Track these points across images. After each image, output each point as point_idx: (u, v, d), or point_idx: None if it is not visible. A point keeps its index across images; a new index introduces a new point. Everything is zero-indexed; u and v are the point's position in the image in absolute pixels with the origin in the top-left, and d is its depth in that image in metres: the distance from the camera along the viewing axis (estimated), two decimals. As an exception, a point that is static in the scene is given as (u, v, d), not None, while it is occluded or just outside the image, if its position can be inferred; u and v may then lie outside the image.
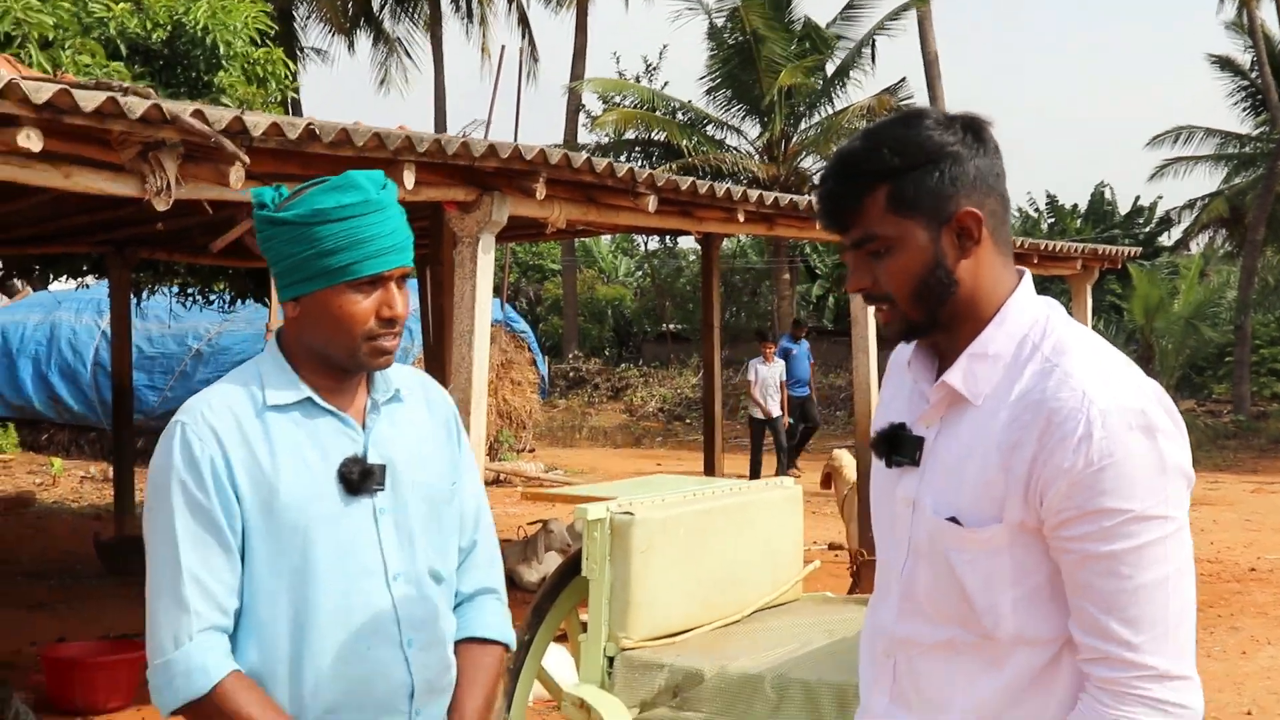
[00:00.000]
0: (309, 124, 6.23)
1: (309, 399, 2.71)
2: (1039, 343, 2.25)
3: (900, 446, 2.37)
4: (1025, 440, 2.18)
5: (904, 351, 2.45)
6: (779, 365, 19.76)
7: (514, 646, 3.01)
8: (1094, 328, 10.78)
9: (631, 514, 4.73)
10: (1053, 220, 42.13)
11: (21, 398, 21.48)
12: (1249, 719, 8.33)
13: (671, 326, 40.14)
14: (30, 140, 5.26)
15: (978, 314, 2.30)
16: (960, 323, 2.31)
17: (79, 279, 16.56)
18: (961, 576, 2.26)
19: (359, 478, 2.68)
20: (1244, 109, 36.93)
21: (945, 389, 2.30)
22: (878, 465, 2.45)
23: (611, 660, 4.70)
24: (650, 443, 27.36)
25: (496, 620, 2.95)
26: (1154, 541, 2.13)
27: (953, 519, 2.26)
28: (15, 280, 15.84)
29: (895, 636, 2.40)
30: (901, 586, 2.38)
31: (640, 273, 43.56)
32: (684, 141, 31.50)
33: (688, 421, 29.47)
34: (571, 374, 33.78)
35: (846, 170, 2.31)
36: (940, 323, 2.32)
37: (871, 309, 2.39)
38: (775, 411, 19.51)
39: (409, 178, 6.59)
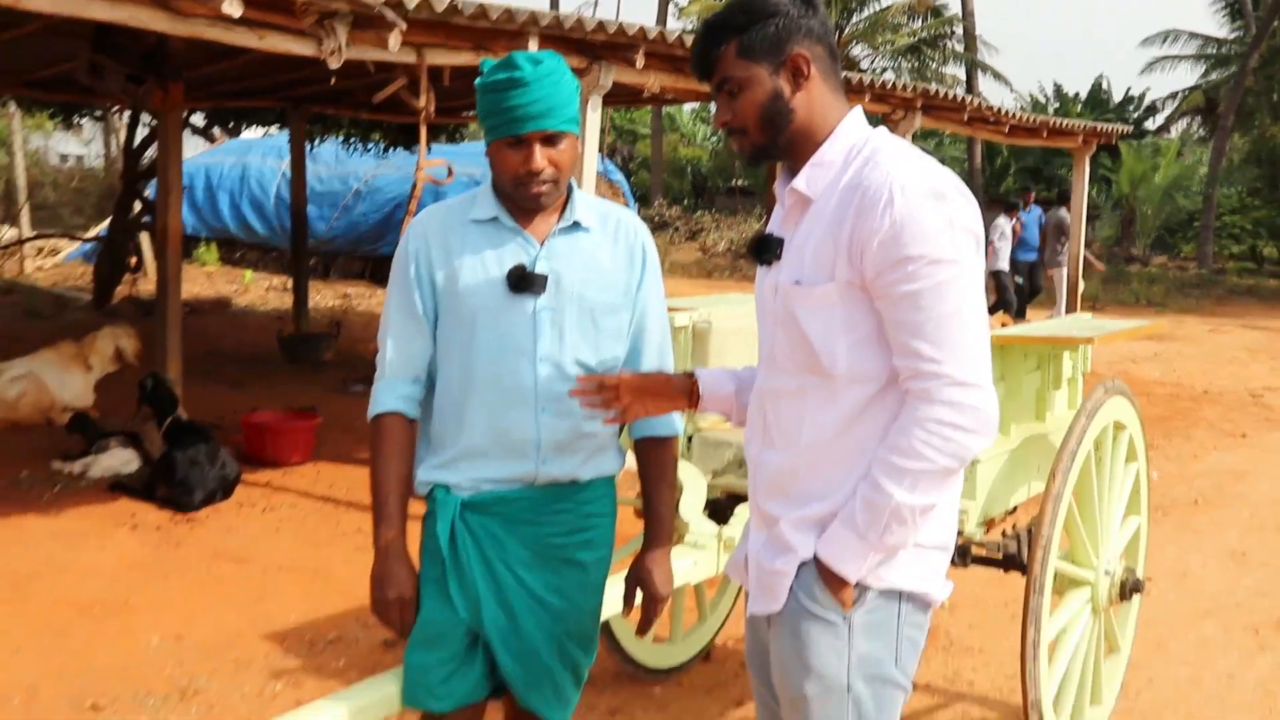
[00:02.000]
0: (453, 0, 6.33)
1: (497, 219, 2.91)
2: (862, 148, 2.45)
3: (766, 248, 2.56)
4: (846, 215, 2.38)
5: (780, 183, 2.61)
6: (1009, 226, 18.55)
7: (680, 432, 3.15)
8: (1088, 195, 10.85)
9: (710, 322, 4.77)
10: (1058, 106, 41.74)
11: (219, 223, 21.80)
12: (1196, 507, 8.41)
13: (740, 183, 40.12)
14: (232, 7, 5.30)
15: (814, 137, 2.48)
16: (801, 145, 2.49)
17: (265, 128, 16.80)
18: (806, 329, 2.44)
19: (519, 281, 2.88)
20: (1224, 15, 37.49)
21: (794, 194, 2.50)
22: (759, 271, 2.64)
23: (690, 439, 4.78)
24: (719, 276, 27.28)
25: (668, 419, 3.08)
26: (947, 281, 2.32)
27: (797, 281, 2.45)
28: (215, 129, 16.06)
29: (763, 390, 2.60)
30: (766, 352, 2.60)
31: (715, 138, 43.31)
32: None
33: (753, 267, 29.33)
34: (656, 219, 33.59)
35: (708, 30, 2.53)
36: (782, 146, 2.51)
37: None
38: (1003, 266, 18.25)
39: (533, 45, 6.70)
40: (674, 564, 3.87)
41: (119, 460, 7.60)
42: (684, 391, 2.84)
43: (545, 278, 2.89)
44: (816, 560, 2.45)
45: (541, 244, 2.92)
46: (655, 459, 3.11)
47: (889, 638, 2.48)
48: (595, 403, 2.80)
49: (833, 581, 2.44)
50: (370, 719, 2.99)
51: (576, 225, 2.96)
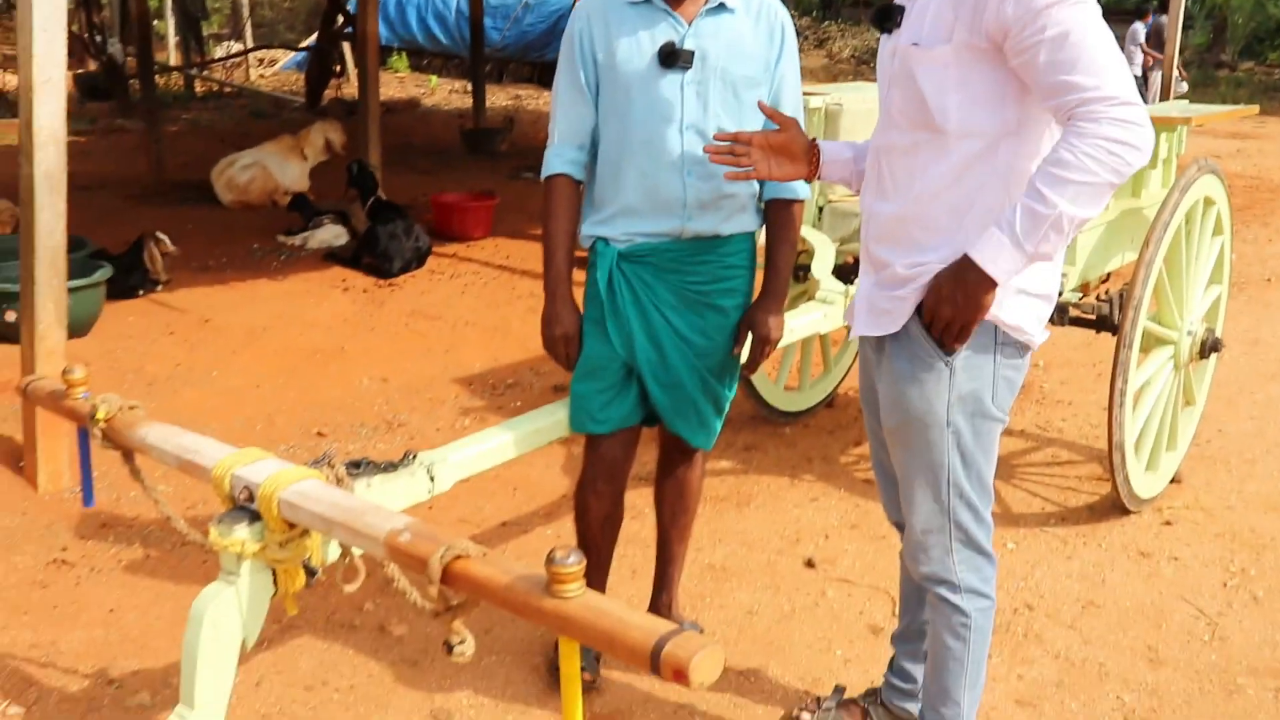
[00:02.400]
0: None
1: (651, 1, 2.90)
2: None
3: (888, 16, 2.47)
4: None
5: None
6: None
7: (807, 198, 3.12)
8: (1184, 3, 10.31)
9: (841, 105, 4.66)
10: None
11: (409, 34, 21.66)
12: (1268, 284, 8.17)
13: (865, -7, 38.67)
14: None
15: None
16: None
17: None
18: (921, 87, 2.37)
19: (667, 57, 2.87)
20: None
21: None
22: (881, 40, 2.56)
23: (821, 209, 4.73)
24: (844, 79, 26.50)
25: (794, 185, 3.05)
26: (1085, 18, 2.22)
27: (915, 43, 2.37)
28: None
29: (879, 147, 2.53)
30: (883, 111, 2.52)
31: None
32: None
33: (872, 65, 28.48)
34: (789, 27, 32.66)
35: None
36: None
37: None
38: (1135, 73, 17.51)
39: None
40: (804, 317, 3.90)
41: (331, 234, 7.77)
42: (806, 154, 2.75)
43: (692, 54, 2.87)
44: (966, 261, 2.33)
45: (689, 24, 2.89)
46: (780, 219, 3.09)
47: (987, 377, 2.47)
48: (728, 159, 2.75)
49: (980, 282, 2.32)
50: (546, 438, 3.10)
51: (722, 6, 2.92)
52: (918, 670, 2.97)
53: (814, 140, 2.77)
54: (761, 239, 3.16)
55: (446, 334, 6.23)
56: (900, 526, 2.83)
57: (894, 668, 3.05)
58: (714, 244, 3.02)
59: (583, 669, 3.12)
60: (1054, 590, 3.90)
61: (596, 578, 3.19)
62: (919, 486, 2.55)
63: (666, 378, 3.04)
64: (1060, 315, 4.34)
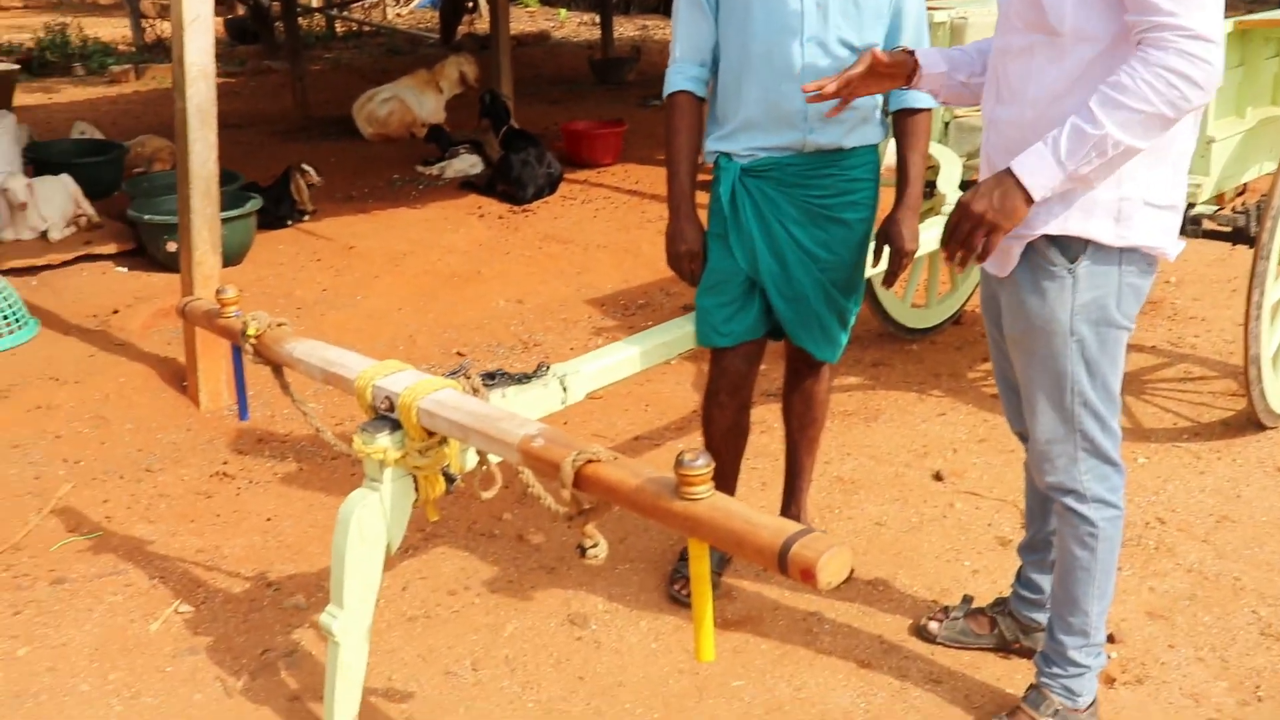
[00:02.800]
0: None
1: None
2: None
3: None
4: None
5: None
6: None
7: (935, 106, 3.01)
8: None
9: (966, 18, 4.50)
10: None
11: (538, -32, 21.58)
12: None
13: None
14: None
15: None
16: None
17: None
18: None
19: None
20: None
21: None
22: None
23: (947, 125, 4.59)
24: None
25: (920, 93, 2.93)
26: None
27: None
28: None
29: (997, 50, 2.41)
30: (1001, 13, 2.40)
31: None
32: None
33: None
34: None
35: None
36: None
37: None
38: None
39: None
40: (933, 230, 3.80)
41: (467, 163, 7.82)
42: (903, 66, 2.61)
43: None
44: (1006, 170, 2.25)
45: None
46: (908, 129, 3.01)
47: (1111, 285, 2.36)
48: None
49: (1016, 189, 2.22)
50: (673, 351, 3.09)
51: None
52: (1045, 581, 2.90)
53: (911, 52, 2.65)
54: (889, 160, 3.08)
55: (578, 257, 6.24)
56: (1024, 437, 2.75)
57: (1021, 578, 2.98)
58: (836, 157, 2.94)
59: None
60: (1186, 505, 3.77)
61: (723, 488, 3.16)
62: (1042, 395, 2.47)
63: (790, 291, 2.99)
64: (1194, 228, 4.15)
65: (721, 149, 2.97)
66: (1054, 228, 2.32)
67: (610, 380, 2.92)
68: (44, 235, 5.89)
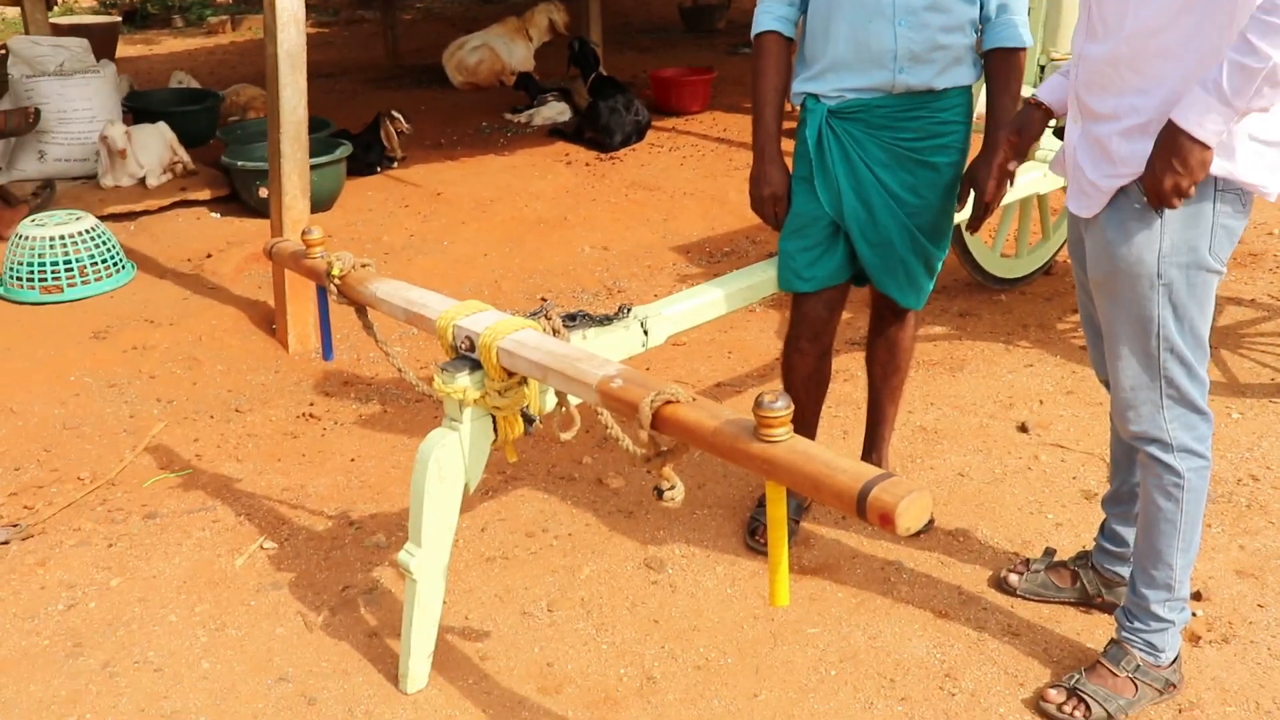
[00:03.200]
0: None
1: None
2: None
3: None
4: None
5: None
6: None
7: (1030, 45, 2.92)
8: None
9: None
10: None
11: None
12: None
13: None
14: None
15: None
16: None
17: None
18: None
19: None
20: None
21: None
22: None
23: (1043, 68, 4.45)
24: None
25: (1014, 31, 2.86)
26: None
27: None
28: None
29: None
30: None
31: None
32: None
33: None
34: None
35: None
36: None
37: None
38: None
39: None
40: (1023, 177, 3.69)
41: (555, 111, 7.79)
42: (1036, 123, 2.65)
43: None
44: (1171, 127, 2.12)
45: None
46: (1001, 69, 2.89)
47: (1204, 226, 2.25)
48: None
49: (1190, 145, 2.10)
50: (756, 295, 3.04)
51: None
52: (1128, 533, 2.82)
53: (1037, 103, 2.64)
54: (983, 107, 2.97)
55: (665, 204, 6.19)
56: (1109, 384, 2.67)
57: (1105, 531, 2.90)
58: (926, 99, 2.84)
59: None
60: (1282, 461, 3.65)
61: (802, 435, 3.13)
62: (1126, 341, 2.37)
63: (875, 236, 2.91)
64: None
65: (809, 90, 2.89)
66: (1189, 123, 2.16)
67: (692, 323, 2.89)
68: (142, 182, 5.99)
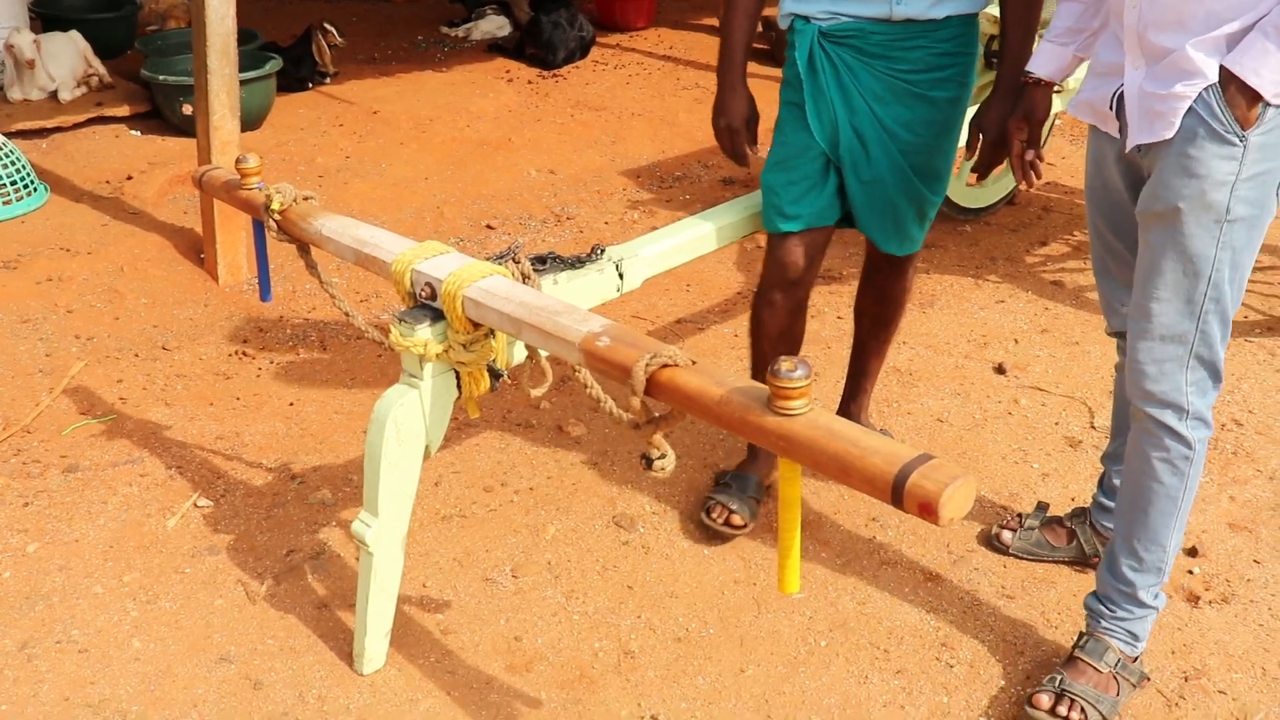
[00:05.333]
0: None
1: None
2: None
3: None
4: None
5: None
6: None
7: None
8: None
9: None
10: None
11: None
12: None
13: None
14: None
15: None
16: None
17: None
18: None
19: None
20: None
21: None
22: None
23: None
24: None
25: None
26: None
27: None
28: None
29: None
30: None
31: None
32: None
33: None
34: None
35: None
36: None
37: None
38: None
39: None
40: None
41: (494, 25, 7.38)
42: (1046, 99, 2.41)
43: None
44: (1225, 74, 1.96)
45: None
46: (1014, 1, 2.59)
47: (1277, 158, 2.02)
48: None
49: (1241, 96, 1.95)
50: (740, 233, 2.80)
51: None
52: None
53: (1036, 79, 2.40)
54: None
55: (612, 125, 5.87)
56: (1120, 336, 2.45)
57: (1105, 487, 2.71)
58: (927, 27, 2.53)
59: (733, 509, 2.78)
60: (1263, 405, 3.49)
61: None
62: (1170, 284, 2.11)
63: (869, 173, 2.63)
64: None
65: (798, 10, 2.59)
66: (1245, 70, 1.95)
67: (671, 265, 2.64)
68: (53, 95, 5.52)
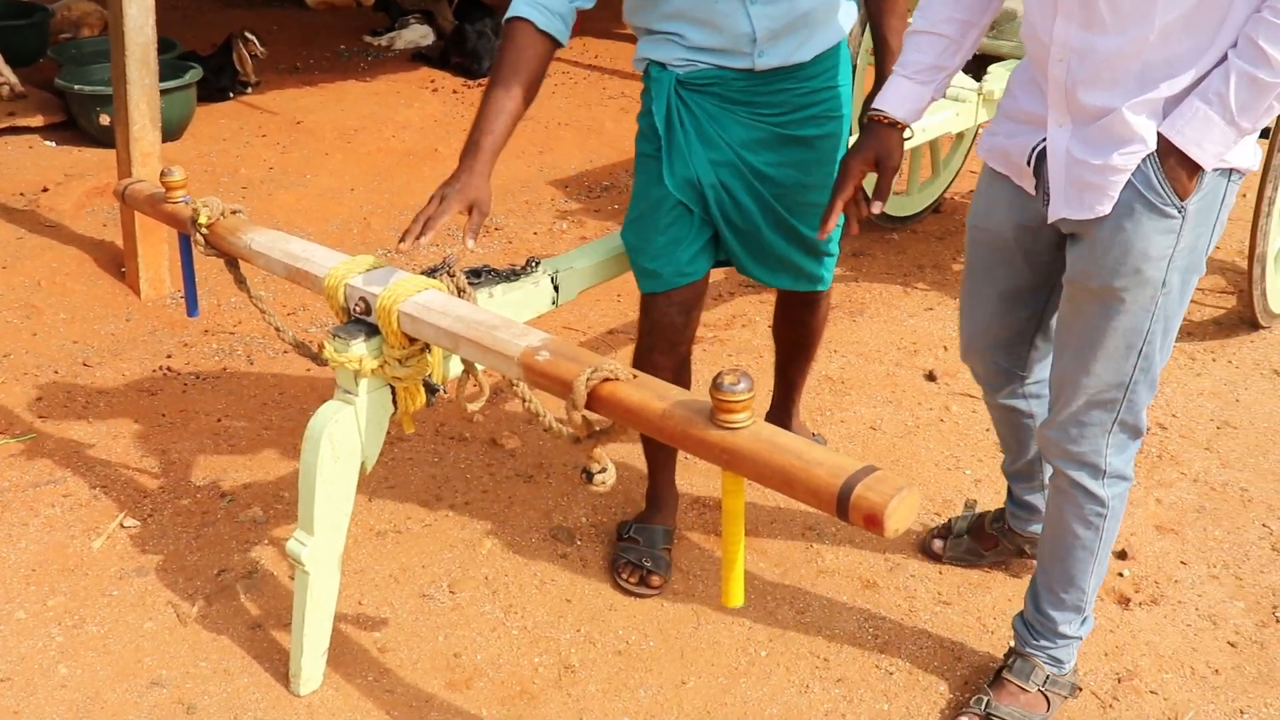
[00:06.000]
0: None
1: None
2: None
3: None
4: None
5: None
6: None
7: None
8: None
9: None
10: None
11: None
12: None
13: None
14: None
15: None
16: None
17: None
18: None
19: None
20: None
21: None
22: None
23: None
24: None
25: None
26: None
27: None
28: None
29: None
30: None
31: None
32: None
33: None
34: None
35: None
36: None
37: None
38: None
39: None
40: (934, 117, 3.49)
41: (418, 34, 7.33)
42: (900, 142, 2.20)
43: None
44: (1165, 144, 1.86)
45: None
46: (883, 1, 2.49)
47: (1211, 221, 1.96)
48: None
49: (1181, 168, 1.85)
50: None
51: None
52: (1039, 500, 2.62)
53: (889, 120, 2.19)
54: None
55: (540, 135, 5.85)
56: (979, 370, 2.45)
57: (1014, 499, 2.69)
58: (791, 70, 2.41)
59: (647, 568, 2.65)
60: (1186, 409, 3.57)
61: (661, 477, 2.81)
62: (1100, 355, 2.04)
63: (741, 220, 2.50)
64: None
65: (652, 57, 2.44)
66: (1187, 142, 1.83)
67: (606, 277, 2.63)
68: (-37, 104, 5.39)
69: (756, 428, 1.62)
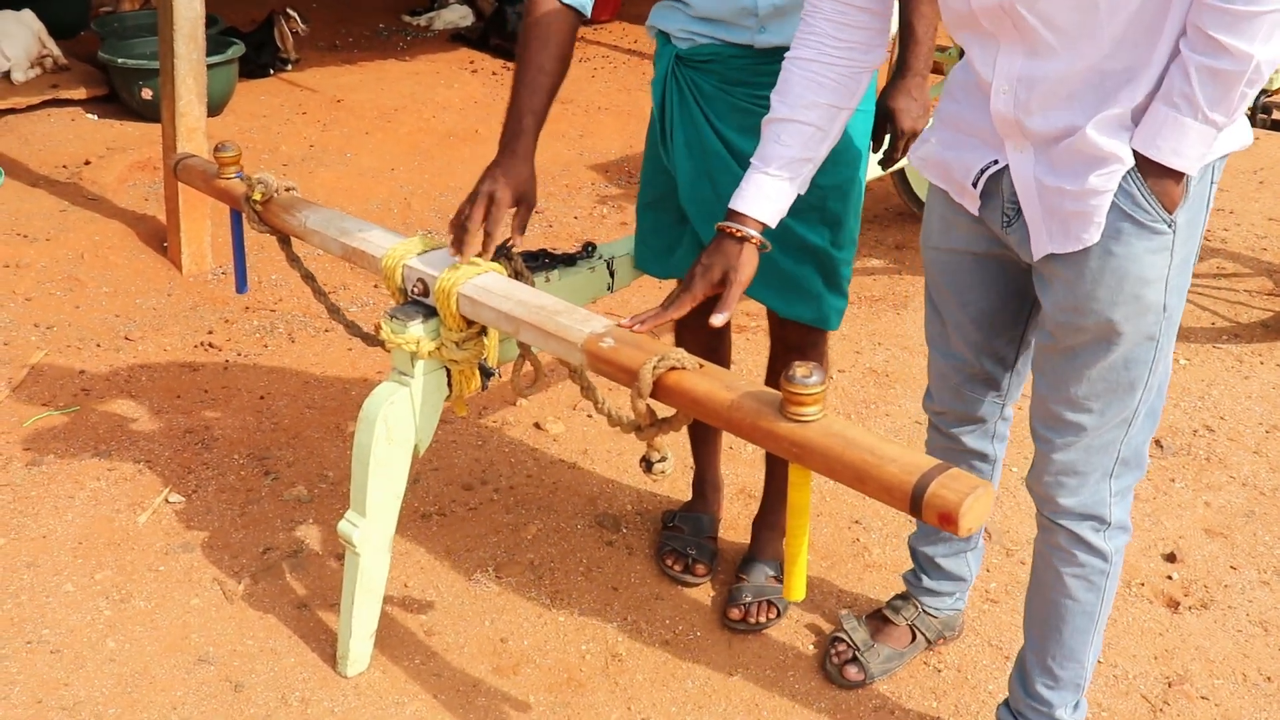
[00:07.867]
0: None
1: None
2: None
3: None
4: None
5: None
6: None
7: None
8: None
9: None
10: None
11: None
12: None
13: None
14: None
15: None
16: None
17: None
18: None
19: None
20: None
21: None
22: None
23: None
24: None
25: None
26: None
27: None
28: None
29: None
30: None
31: None
32: None
33: None
34: None
35: None
36: None
37: None
38: None
39: None
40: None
41: (457, 15, 7.32)
42: (754, 258, 1.88)
43: None
44: (1142, 160, 1.65)
45: None
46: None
47: (1199, 231, 1.76)
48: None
49: (1166, 180, 1.66)
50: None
51: None
52: (959, 565, 2.40)
53: (743, 239, 1.87)
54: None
55: (579, 119, 5.83)
56: (939, 415, 2.22)
57: (929, 572, 2.42)
58: None
59: (692, 557, 2.61)
60: (1234, 412, 3.53)
61: (709, 463, 2.77)
62: (1099, 394, 1.82)
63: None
64: (1264, 117, 3.84)
65: (660, 25, 2.29)
66: (1164, 154, 1.63)
67: (662, 265, 2.60)
68: (6, 76, 5.40)
69: (827, 421, 1.60)
